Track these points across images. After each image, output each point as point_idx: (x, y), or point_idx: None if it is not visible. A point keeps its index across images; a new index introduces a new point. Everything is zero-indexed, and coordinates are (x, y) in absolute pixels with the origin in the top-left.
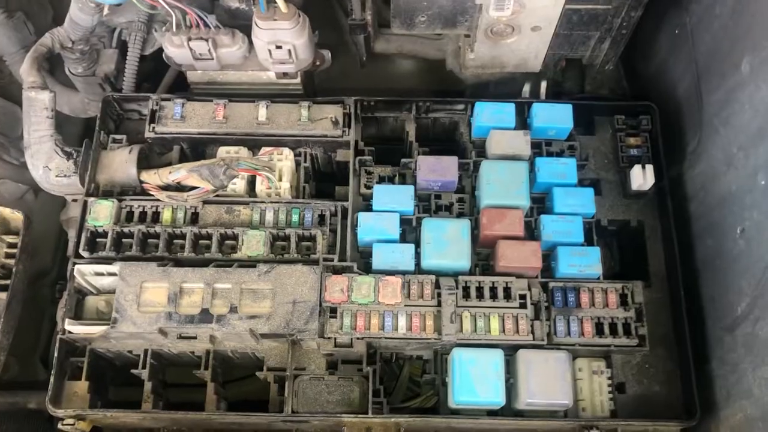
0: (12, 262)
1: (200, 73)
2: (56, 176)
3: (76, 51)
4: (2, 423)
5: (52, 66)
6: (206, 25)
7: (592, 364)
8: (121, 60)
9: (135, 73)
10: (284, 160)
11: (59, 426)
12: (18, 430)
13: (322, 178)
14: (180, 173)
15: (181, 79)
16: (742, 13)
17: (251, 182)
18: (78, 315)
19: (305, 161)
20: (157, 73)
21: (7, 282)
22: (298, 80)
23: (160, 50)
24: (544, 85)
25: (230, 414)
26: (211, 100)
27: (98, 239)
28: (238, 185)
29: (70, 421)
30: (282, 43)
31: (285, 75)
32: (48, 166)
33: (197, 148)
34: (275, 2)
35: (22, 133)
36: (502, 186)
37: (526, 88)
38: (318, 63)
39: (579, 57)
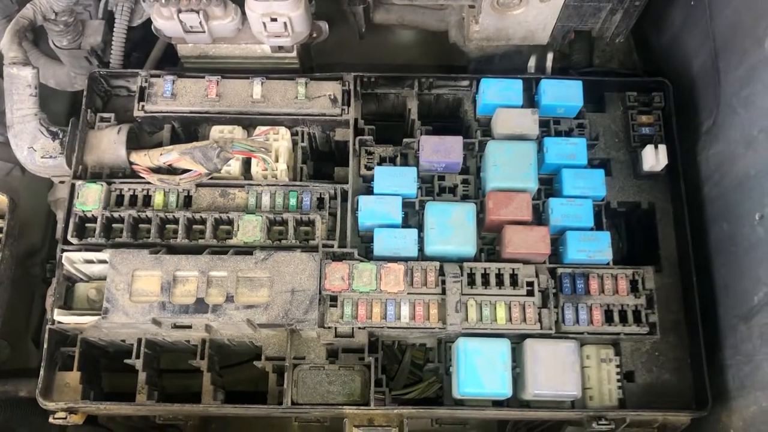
0: None
1: (191, 47)
2: (42, 157)
3: (60, 23)
4: None
5: (36, 36)
6: None
7: (601, 352)
8: (108, 31)
9: (123, 47)
10: (280, 140)
11: (51, 419)
12: (9, 418)
13: (320, 158)
14: (171, 155)
15: (171, 51)
16: None
17: (246, 163)
18: (68, 303)
19: (302, 141)
20: (146, 43)
21: None
22: (294, 54)
23: (150, 20)
24: (550, 57)
25: (227, 406)
26: (203, 76)
27: (87, 224)
28: (233, 167)
29: (62, 414)
30: (277, 15)
31: (280, 49)
32: (33, 146)
33: (189, 128)
34: None
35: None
36: (509, 168)
37: (532, 62)
38: (315, 35)
39: (588, 29)
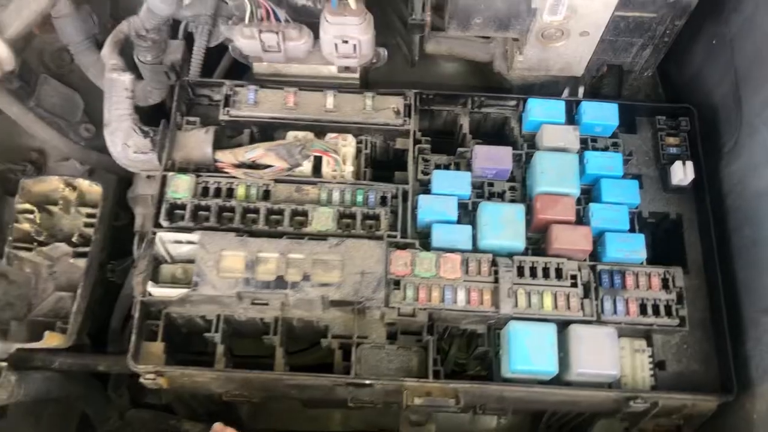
0: (90, 231)
1: (266, 65)
2: (134, 153)
3: (149, 39)
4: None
5: None
6: (277, 18)
7: (635, 343)
8: (187, 50)
9: (201, 63)
10: (348, 146)
11: (141, 379)
12: (73, 395)
13: (377, 166)
14: (257, 152)
15: (232, 71)
16: None
17: (316, 166)
18: (154, 281)
19: (366, 148)
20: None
21: (87, 249)
22: (357, 74)
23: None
24: (581, 90)
25: (299, 374)
26: (282, 88)
27: (176, 211)
28: (305, 167)
29: (152, 375)
30: (348, 38)
31: (347, 69)
32: (127, 143)
33: (266, 132)
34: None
35: (82, 117)
36: (554, 175)
37: (566, 92)
38: (375, 60)
39: (620, 63)
